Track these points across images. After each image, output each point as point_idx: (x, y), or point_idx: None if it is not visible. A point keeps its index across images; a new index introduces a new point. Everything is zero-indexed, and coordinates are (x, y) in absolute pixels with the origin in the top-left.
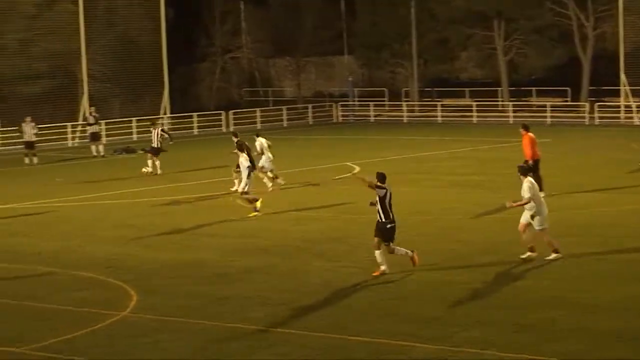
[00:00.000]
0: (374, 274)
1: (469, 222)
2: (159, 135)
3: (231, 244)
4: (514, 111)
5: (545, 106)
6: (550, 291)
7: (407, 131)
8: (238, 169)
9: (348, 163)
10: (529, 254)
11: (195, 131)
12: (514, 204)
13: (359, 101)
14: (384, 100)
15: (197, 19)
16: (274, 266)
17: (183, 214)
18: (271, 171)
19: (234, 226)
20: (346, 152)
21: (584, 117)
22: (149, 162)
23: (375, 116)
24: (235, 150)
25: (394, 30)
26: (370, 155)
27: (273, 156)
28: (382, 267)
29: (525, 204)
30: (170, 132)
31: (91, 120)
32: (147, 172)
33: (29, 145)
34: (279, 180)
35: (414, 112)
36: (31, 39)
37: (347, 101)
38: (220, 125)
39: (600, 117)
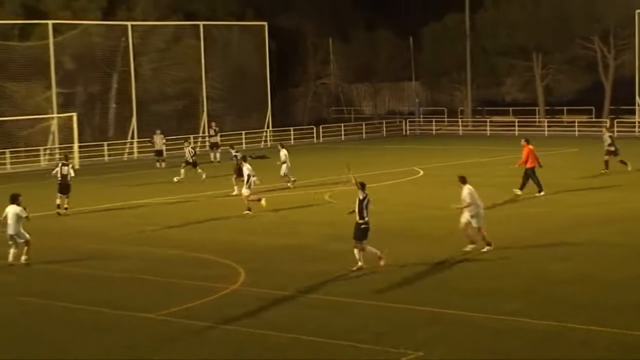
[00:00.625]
0: (352, 269)
1: (506, 214)
2: (189, 152)
3: (326, 231)
4: (549, 126)
5: (574, 122)
6: (573, 271)
7: (462, 142)
8: (240, 177)
9: (414, 167)
10: (470, 246)
11: (292, 142)
12: (459, 207)
13: (423, 118)
14: (443, 117)
15: (294, 52)
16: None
17: (285, 207)
18: (287, 175)
19: (327, 217)
20: (413, 158)
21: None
22: (182, 171)
23: (437, 130)
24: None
25: (452, 60)
26: (432, 162)
27: (290, 164)
28: (360, 263)
29: (467, 207)
30: (197, 150)
31: (212, 132)
32: (179, 180)
33: (159, 153)
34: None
35: (467, 126)
36: (162, 68)
37: (414, 118)
38: (312, 137)
39: (619, 131)
